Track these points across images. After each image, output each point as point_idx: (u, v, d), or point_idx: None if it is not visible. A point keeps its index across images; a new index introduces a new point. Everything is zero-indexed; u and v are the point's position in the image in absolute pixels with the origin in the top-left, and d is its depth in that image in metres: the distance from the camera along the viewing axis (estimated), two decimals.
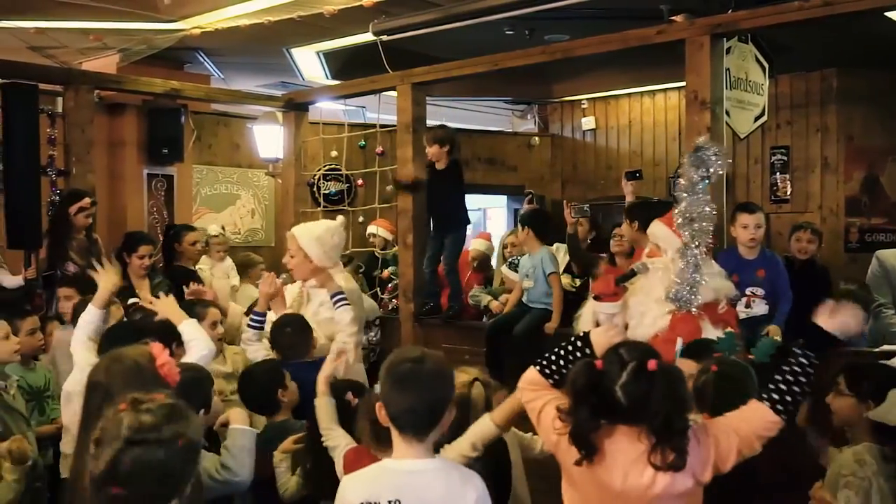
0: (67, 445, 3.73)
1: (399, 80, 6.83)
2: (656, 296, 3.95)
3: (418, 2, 6.27)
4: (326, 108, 8.55)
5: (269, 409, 3.80)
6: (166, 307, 3.92)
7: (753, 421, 2.53)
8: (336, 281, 4.58)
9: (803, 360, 2.58)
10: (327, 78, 8.65)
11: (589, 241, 6.67)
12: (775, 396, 2.54)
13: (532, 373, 2.73)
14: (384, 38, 6.78)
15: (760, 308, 4.92)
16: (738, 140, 6.72)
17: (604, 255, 6.13)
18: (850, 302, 2.83)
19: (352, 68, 8.01)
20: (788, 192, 8.47)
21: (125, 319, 4.48)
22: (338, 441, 3.25)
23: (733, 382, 3.07)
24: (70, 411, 3.72)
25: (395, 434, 2.57)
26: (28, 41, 6.79)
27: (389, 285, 7.40)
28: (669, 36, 5.35)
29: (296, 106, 7.96)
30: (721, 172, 3.67)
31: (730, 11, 5.27)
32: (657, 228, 4.28)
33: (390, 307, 7.25)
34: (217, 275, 6.98)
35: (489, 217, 13.32)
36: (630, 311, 3.98)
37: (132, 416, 1.97)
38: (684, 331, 3.67)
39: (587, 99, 9.99)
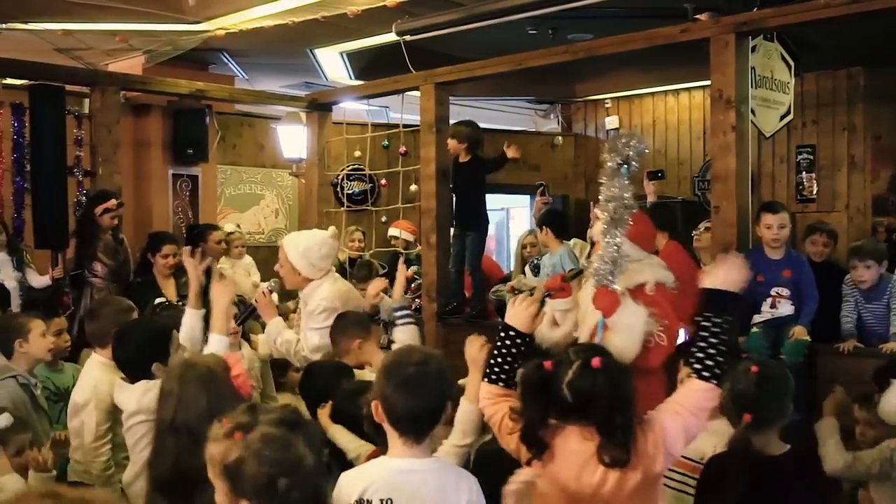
0: (76, 453, 3.77)
1: (422, 80, 6.83)
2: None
3: (441, 2, 6.28)
4: (350, 109, 8.57)
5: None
6: (219, 296, 3.68)
7: (689, 396, 2.54)
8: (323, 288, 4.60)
9: (707, 324, 2.58)
10: (351, 78, 8.67)
11: None
12: (697, 366, 2.55)
13: (484, 387, 2.76)
14: (407, 38, 6.79)
15: (786, 308, 4.88)
16: (763, 139, 6.67)
17: None
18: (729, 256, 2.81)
19: (375, 68, 8.03)
20: (815, 192, 8.40)
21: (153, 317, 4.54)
22: (359, 451, 3.26)
23: (776, 382, 3.09)
24: (77, 421, 3.79)
25: (392, 433, 2.56)
26: (55, 43, 6.87)
27: (412, 285, 7.40)
28: (694, 34, 5.32)
29: (319, 106, 7.98)
30: (636, 163, 3.75)
31: (755, 9, 5.23)
32: (595, 229, 4.30)
33: (413, 307, 7.25)
34: (238, 272, 7.04)
35: (512, 217, 13.29)
36: (580, 306, 4.04)
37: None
38: (603, 304, 3.74)
39: (611, 98, 9.95)
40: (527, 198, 10.94)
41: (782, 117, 5.89)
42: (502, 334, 2.80)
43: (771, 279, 4.89)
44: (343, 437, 3.39)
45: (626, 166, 3.87)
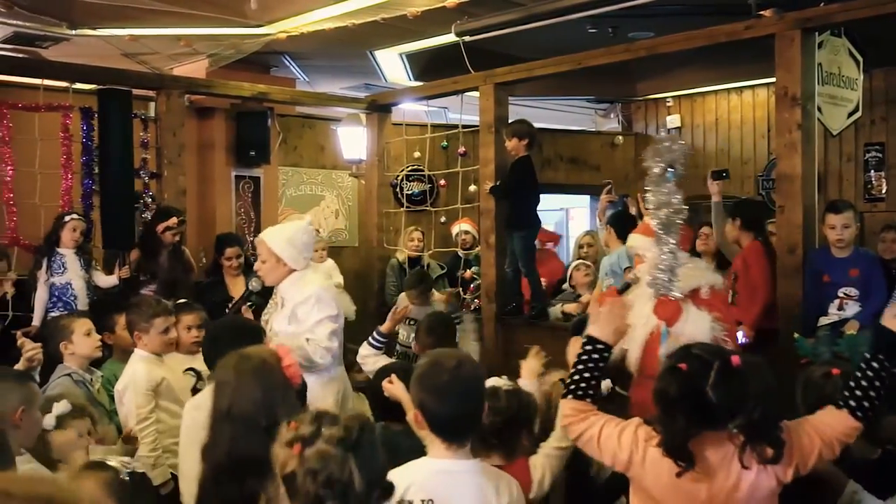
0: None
1: (482, 81, 6.83)
2: (646, 297, 3.96)
3: (501, 2, 6.27)
4: (409, 110, 8.60)
5: (393, 414, 3.64)
6: None
7: (835, 426, 2.48)
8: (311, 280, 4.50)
9: (875, 365, 2.52)
10: (410, 79, 8.71)
11: None
12: (852, 403, 2.49)
13: (569, 403, 2.68)
14: (466, 38, 6.80)
15: (853, 310, 4.77)
16: (830, 137, 6.51)
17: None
18: None
19: (434, 69, 8.05)
20: (883, 190, 8.18)
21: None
22: None
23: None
24: (123, 409, 4.03)
25: (433, 437, 2.56)
26: (122, 48, 7.04)
27: (472, 285, 7.41)
28: (758, 31, 5.23)
29: (379, 107, 8.04)
30: (681, 166, 3.71)
31: (821, 4, 5.11)
32: (634, 240, 4.28)
33: (472, 307, 7.25)
34: (319, 276, 7.15)
35: (571, 217, 13.21)
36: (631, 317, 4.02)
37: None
38: (665, 314, 3.71)
39: (672, 97, 9.82)
40: (586, 198, 10.86)
41: (850, 114, 5.75)
42: (588, 347, 2.72)
43: (838, 279, 4.79)
44: None
45: (671, 170, 3.84)
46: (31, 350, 3.56)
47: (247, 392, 2.60)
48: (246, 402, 2.55)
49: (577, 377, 2.68)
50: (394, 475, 2.57)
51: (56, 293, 5.63)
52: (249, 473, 2.37)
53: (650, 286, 3.79)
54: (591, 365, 2.69)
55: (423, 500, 2.47)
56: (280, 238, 4.44)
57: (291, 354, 2.80)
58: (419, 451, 3.32)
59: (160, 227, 6.09)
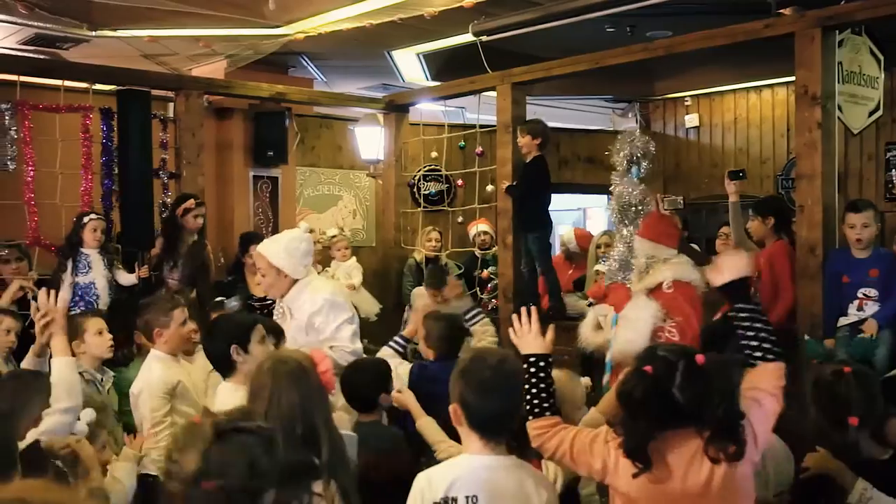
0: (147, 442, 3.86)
1: (499, 80, 6.83)
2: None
3: (518, 1, 6.26)
4: (426, 110, 8.61)
5: (367, 406, 3.78)
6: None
7: (763, 378, 2.50)
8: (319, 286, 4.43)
9: (745, 314, 2.58)
10: (427, 79, 8.71)
11: None
12: (758, 353, 2.53)
13: (532, 424, 2.64)
14: (484, 38, 6.80)
15: (873, 310, 4.73)
16: (851, 136, 6.46)
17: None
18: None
19: (451, 69, 8.05)
20: None
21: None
22: (451, 451, 3.26)
23: (871, 380, 3.05)
24: (138, 412, 3.94)
25: (471, 434, 2.55)
26: (141, 49, 7.08)
27: (489, 285, 7.40)
28: (778, 30, 5.20)
29: (396, 107, 8.05)
30: (645, 164, 3.83)
31: (842, 2, 5.08)
32: (639, 245, 4.39)
33: (490, 307, 7.25)
34: (339, 274, 7.21)
35: (589, 217, 13.19)
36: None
37: (211, 417, 1.97)
38: (614, 299, 3.89)
39: (690, 96, 9.77)
40: (603, 197, 10.82)
41: (871, 113, 5.71)
42: (530, 368, 2.70)
43: (857, 280, 4.76)
44: (430, 428, 3.43)
45: (636, 167, 3.96)
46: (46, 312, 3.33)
47: (283, 397, 2.58)
48: (283, 407, 2.53)
49: (529, 397, 2.66)
50: (439, 471, 2.59)
51: (79, 292, 5.66)
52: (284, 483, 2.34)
53: (606, 273, 3.92)
54: (535, 381, 2.67)
55: (467, 497, 2.47)
56: (277, 249, 4.35)
57: (327, 360, 2.80)
58: (389, 440, 3.56)
59: (179, 210, 6.13)
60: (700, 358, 2.32)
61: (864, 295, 4.76)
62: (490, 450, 2.53)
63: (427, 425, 3.52)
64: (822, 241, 4.95)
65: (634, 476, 2.34)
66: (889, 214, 7.68)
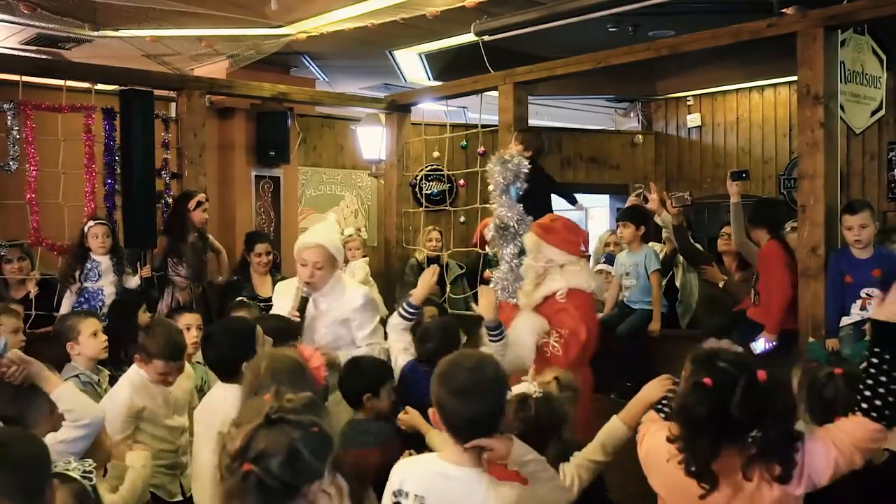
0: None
1: (501, 80, 6.82)
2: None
3: (520, 1, 6.25)
4: (428, 109, 8.61)
5: (359, 405, 3.79)
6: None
7: (855, 432, 2.34)
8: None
9: (875, 361, 2.36)
10: (429, 79, 8.72)
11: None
12: (865, 405, 2.34)
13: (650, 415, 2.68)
14: (486, 38, 6.79)
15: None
16: (853, 135, 6.47)
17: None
18: None
19: (454, 69, 8.05)
20: None
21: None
22: None
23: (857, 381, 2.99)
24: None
25: (448, 437, 2.52)
26: (144, 49, 7.08)
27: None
28: (781, 29, 5.18)
29: (398, 107, 8.04)
30: (520, 184, 3.96)
31: (845, 2, 5.07)
32: (542, 249, 4.52)
33: None
34: (346, 271, 7.21)
35: (591, 217, 13.17)
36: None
37: (274, 401, 1.97)
38: (505, 317, 4.04)
39: (692, 95, 9.78)
40: (606, 197, 10.84)
41: (873, 113, 5.71)
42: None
43: (860, 280, 4.74)
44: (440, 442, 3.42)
45: (513, 187, 4.05)
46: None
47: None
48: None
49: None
50: (402, 465, 2.62)
51: (86, 295, 5.66)
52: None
53: (498, 290, 4.04)
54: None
55: (416, 496, 2.47)
56: (335, 239, 4.32)
57: (317, 356, 2.81)
58: (383, 436, 3.61)
59: (192, 204, 6.15)
60: (762, 374, 2.24)
61: (867, 295, 4.74)
62: (459, 458, 2.48)
63: (435, 438, 3.46)
64: (825, 240, 4.95)
65: (701, 497, 2.25)
66: (891, 214, 7.67)
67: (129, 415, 3.77)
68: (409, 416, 3.64)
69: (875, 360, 2.35)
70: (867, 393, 2.34)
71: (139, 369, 3.92)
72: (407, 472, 2.54)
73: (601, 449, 2.90)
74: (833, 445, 2.33)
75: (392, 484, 2.55)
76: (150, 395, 3.89)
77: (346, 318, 4.32)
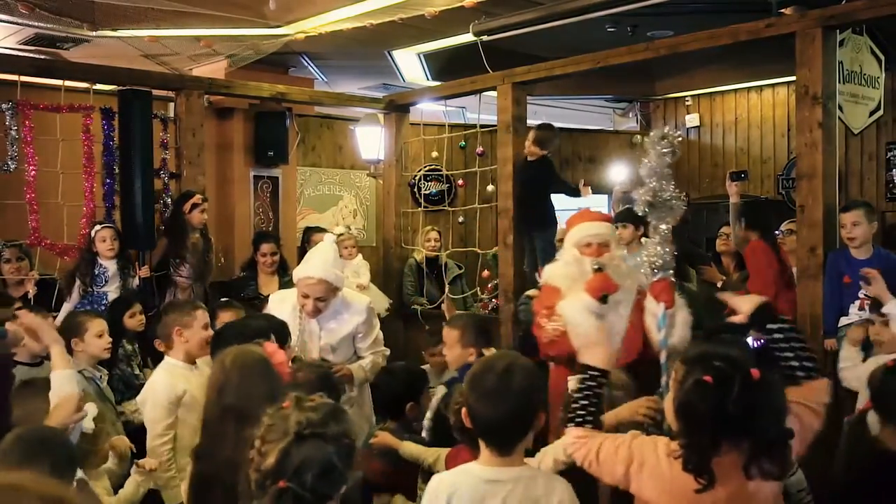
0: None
1: (500, 80, 6.82)
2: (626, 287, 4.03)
3: (519, 1, 6.26)
4: (427, 109, 8.60)
5: (395, 413, 3.76)
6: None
7: (811, 395, 2.49)
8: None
9: (779, 334, 2.58)
10: (428, 79, 8.71)
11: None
12: (801, 373, 2.53)
13: (573, 431, 2.61)
14: (485, 38, 6.79)
15: None
16: (851, 135, 6.48)
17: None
18: None
19: (452, 69, 8.05)
20: None
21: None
22: (436, 455, 3.28)
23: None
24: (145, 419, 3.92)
25: (480, 441, 2.51)
26: (142, 49, 7.07)
27: (489, 285, 7.40)
28: (780, 29, 5.19)
29: (397, 107, 8.04)
30: (671, 159, 3.79)
31: (843, 2, 5.07)
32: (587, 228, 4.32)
33: (490, 307, 7.25)
34: (348, 274, 7.20)
35: None
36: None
37: (299, 413, 2.00)
38: (670, 296, 3.73)
39: (691, 96, 9.78)
40: (604, 197, 10.82)
41: (872, 113, 5.72)
42: (586, 377, 2.67)
43: (859, 280, 4.74)
44: (414, 449, 3.41)
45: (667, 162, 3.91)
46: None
47: (253, 390, 2.58)
48: (255, 400, 2.49)
49: (577, 406, 2.63)
50: (443, 479, 2.55)
51: (90, 297, 5.67)
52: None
53: (654, 270, 3.80)
54: (589, 393, 2.64)
55: None
56: (332, 269, 4.35)
57: (280, 352, 2.81)
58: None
59: (187, 206, 6.17)
60: (755, 372, 2.26)
61: (865, 295, 4.75)
62: (497, 461, 2.47)
63: (409, 448, 3.45)
64: (823, 240, 4.95)
65: (697, 492, 2.26)
66: (890, 214, 7.68)
67: (171, 400, 3.78)
68: (380, 438, 3.60)
69: (777, 336, 2.58)
70: (794, 363, 2.55)
71: (169, 358, 4.00)
72: (450, 486, 2.47)
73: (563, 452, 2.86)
74: (802, 418, 2.42)
75: (437, 500, 2.47)
76: (186, 379, 3.91)
77: (353, 332, 4.48)
